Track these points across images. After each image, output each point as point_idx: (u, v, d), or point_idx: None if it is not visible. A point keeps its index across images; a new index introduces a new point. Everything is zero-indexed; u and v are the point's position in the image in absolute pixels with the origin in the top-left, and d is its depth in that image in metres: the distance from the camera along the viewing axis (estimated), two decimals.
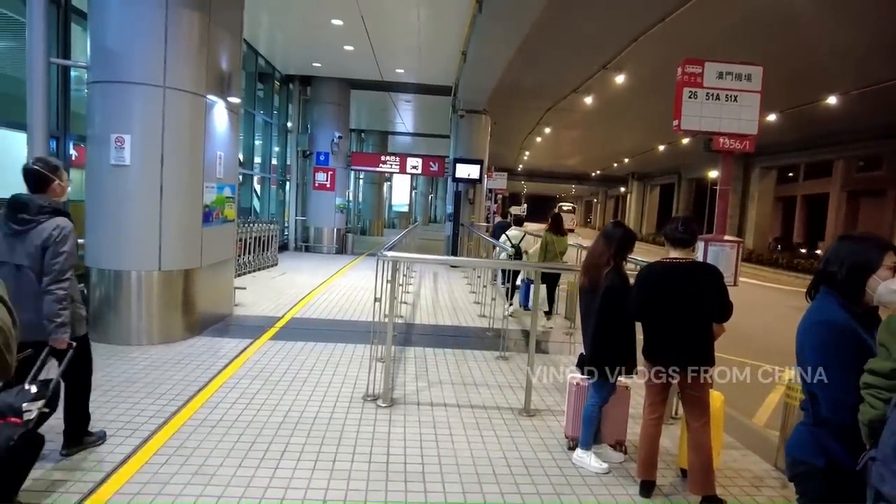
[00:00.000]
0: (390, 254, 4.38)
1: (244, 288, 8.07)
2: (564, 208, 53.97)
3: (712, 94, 4.06)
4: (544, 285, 7.94)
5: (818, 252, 25.93)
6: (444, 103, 16.34)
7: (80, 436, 3.31)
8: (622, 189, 48.67)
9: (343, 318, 7.52)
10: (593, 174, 47.42)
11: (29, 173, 3.04)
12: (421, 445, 3.72)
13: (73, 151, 7.16)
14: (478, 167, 15.07)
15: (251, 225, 11.10)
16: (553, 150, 33.50)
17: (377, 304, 4.60)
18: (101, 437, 3.45)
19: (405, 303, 8.59)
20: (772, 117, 17.75)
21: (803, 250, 26.51)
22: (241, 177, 12.23)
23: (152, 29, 5.54)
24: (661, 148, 27.74)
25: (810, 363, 1.85)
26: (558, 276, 8.29)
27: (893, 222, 18.87)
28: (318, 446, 3.60)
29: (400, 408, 4.38)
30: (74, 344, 2.99)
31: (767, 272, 20.93)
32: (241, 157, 12.59)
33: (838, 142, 21.28)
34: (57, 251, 2.90)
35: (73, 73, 6.98)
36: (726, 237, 4.21)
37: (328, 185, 15.68)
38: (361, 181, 24.98)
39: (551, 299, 8.49)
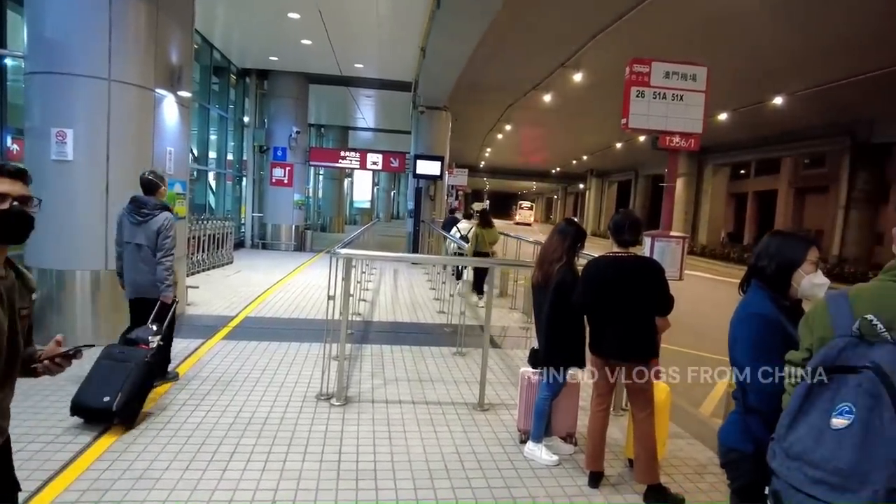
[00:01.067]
0: (344, 251, 4.34)
1: (197, 287, 7.88)
2: (524, 205, 57.27)
3: (659, 94, 4.16)
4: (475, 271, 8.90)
5: None
6: (405, 99, 16.28)
7: (163, 371, 4.49)
8: (581, 186, 49.45)
9: (299, 316, 7.42)
10: (554, 171, 48.04)
11: (145, 181, 4.37)
12: (374, 443, 3.71)
13: (13, 146, 6.84)
14: (438, 164, 15.08)
15: (205, 222, 10.83)
16: (514, 147, 33.79)
17: (331, 302, 4.56)
18: (175, 377, 4.64)
19: (364, 300, 8.53)
20: (723, 116, 18.34)
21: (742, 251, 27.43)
22: (194, 172, 11.95)
23: (95, 19, 5.31)
24: (619, 146, 28.30)
25: (740, 354, 1.92)
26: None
27: (835, 216, 19.75)
28: (268, 447, 3.55)
29: (354, 406, 4.35)
30: (178, 300, 4.53)
31: (719, 266, 21.64)
32: (194, 152, 12.31)
33: (786, 141, 22.13)
34: (166, 235, 4.27)
35: (9, 63, 6.66)
36: (672, 233, 4.32)
37: (286, 181, 15.42)
38: (321, 177, 24.65)
39: (482, 282, 8.92)
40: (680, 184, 26.98)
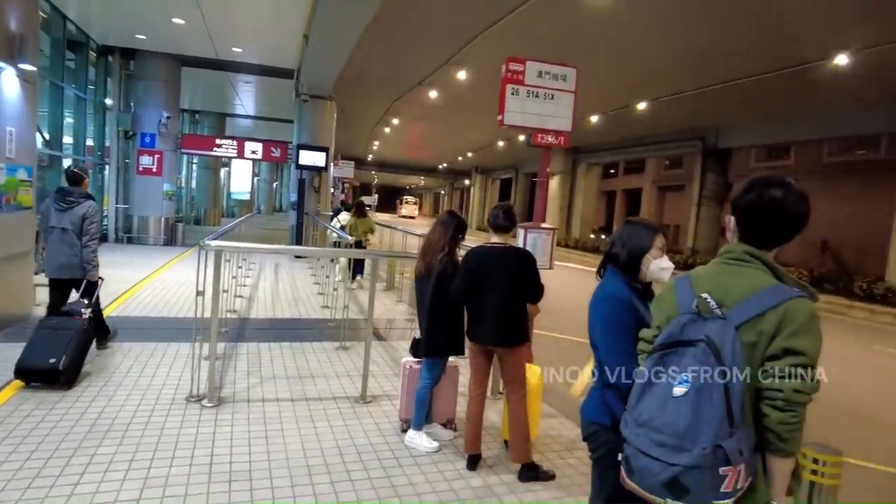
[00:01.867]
0: (214, 243, 4.09)
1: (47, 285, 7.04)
2: (409, 200, 61.67)
3: (532, 92, 4.37)
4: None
5: None
6: (288, 86, 15.66)
7: (103, 340, 5.17)
8: (467, 182, 50.72)
9: (168, 314, 6.91)
10: (441, 167, 48.79)
11: (70, 174, 4.89)
12: (249, 443, 3.56)
13: None
14: (323, 154, 14.70)
15: None
16: (402, 142, 33.84)
17: (200, 298, 4.28)
18: (115, 334, 5.41)
19: (240, 296, 8.14)
20: (595, 118, 19.66)
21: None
22: (45, 158, 10.64)
23: None
24: (501, 144, 29.35)
25: (597, 333, 2.07)
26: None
27: (689, 211, 21.93)
28: (130, 454, 3.28)
29: (228, 406, 4.14)
30: (103, 279, 5.06)
31: (591, 258, 23.20)
32: (44, 134, 10.97)
33: (649, 143, 24.18)
34: (92, 221, 4.75)
35: None
36: (543, 225, 4.56)
37: (155, 170, 14.28)
38: (195, 166, 23.07)
39: (357, 271, 9.74)
40: (556, 182, 28.58)
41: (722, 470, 1.44)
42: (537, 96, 4.38)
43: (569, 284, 10.05)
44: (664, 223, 33.84)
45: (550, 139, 4.44)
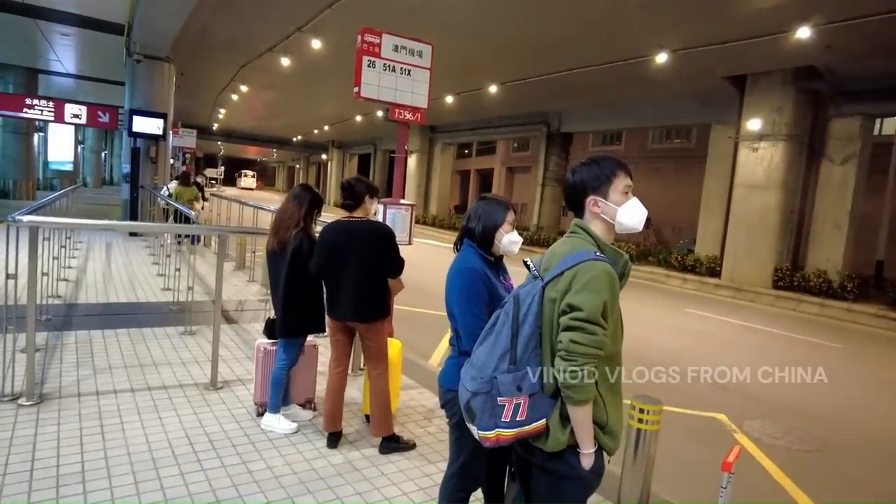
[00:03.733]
0: (27, 218, 3.53)
1: None
2: (247, 174, 64.24)
3: (389, 66, 4.34)
4: None
5: None
6: (118, 44, 13.90)
7: None
8: (324, 156, 49.31)
9: None
10: (295, 139, 46.80)
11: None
12: (81, 442, 3.19)
13: None
14: (161, 122, 13.34)
15: None
16: (252, 111, 31.80)
17: (11, 282, 3.70)
18: None
19: (66, 280, 7.19)
20: (449, 99, 20.10)
21: None
22: None
23: None
24: (359, 119, 28.89)
25: (454, 303, 2.16)
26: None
27: (535, 191, 23.41)
28: None
29: (53, 403, 3.67)
30: None
31: (447, 234, 23.94)
32: None
33: (500, 125, 25.32)
34: None
35: None
36: (401, 201, 4.60)
37: None
38: None
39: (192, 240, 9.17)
40: (413, 160, 28.89)
41: (499, 400, 1.68)
42: (394, 70, 4.35)
43: (428, 260, 10.29)
44: (513, 201, 35.98)
45: (408, 115, 4.46)
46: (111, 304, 6.54)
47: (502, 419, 1.68)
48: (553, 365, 1.66)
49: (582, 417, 1.67)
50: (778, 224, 13.41)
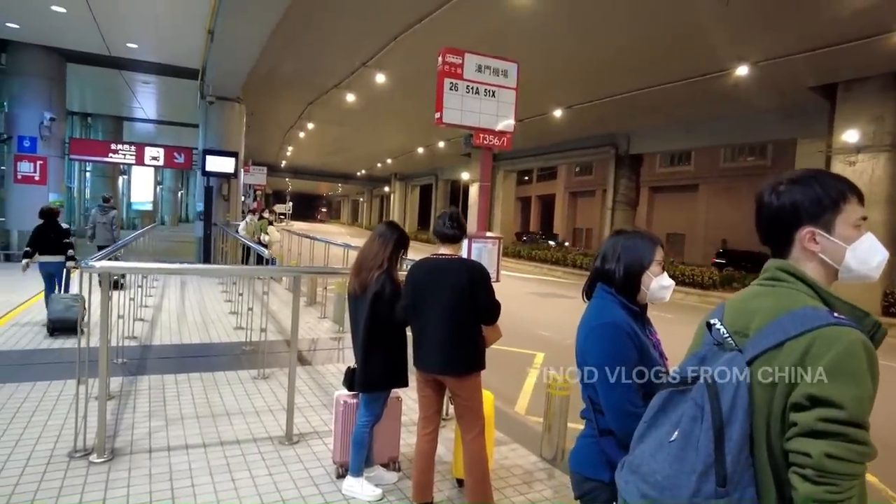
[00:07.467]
0: (98, 264, 3.35)
1: None
2: (278, 210, 63.92)
3: (472, 88, 3.99)
4: None
5: (551, 242, 30.07)
6: (192, 88, 14.48)
7: None
8: (386, 189, 50.08)
9: (49, 346, 5.90)
10: (359, 173, 47.85)
11: None
12: None
13: None
14: (232, 160, 13.66)
15: None
16: (318, 147, 32.71)
17: (86, 328, 3.52)
18: None
19: (141, 319, 7.19)
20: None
21: (552, 240, 30.37)
22: None
23: None
24: (420, 150, 29.08)
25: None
26: None
27: (603, 215, 22.54)
28: None
29: (124, 460, 3.42)
30: None
31: (512, 262, 23.38)
32: None
33: (563, 149, 24.76)
34: None
35: None
36: (488, 233, 4.19)
37: (37, 178, 12.72)
38: (89, 174, 20.95)
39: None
40: (475, 188, 28.67)
41: None
42: (477, 92, 4.00)
43: (501, 291, 9.80)
44: (576, 226, 35.07)
45: (493, 140, 4.08)
46: (184, 345, 6.42)
47: None
48: (793, 488, 1.10)
49: None
50: (884, 243, 12.08)
